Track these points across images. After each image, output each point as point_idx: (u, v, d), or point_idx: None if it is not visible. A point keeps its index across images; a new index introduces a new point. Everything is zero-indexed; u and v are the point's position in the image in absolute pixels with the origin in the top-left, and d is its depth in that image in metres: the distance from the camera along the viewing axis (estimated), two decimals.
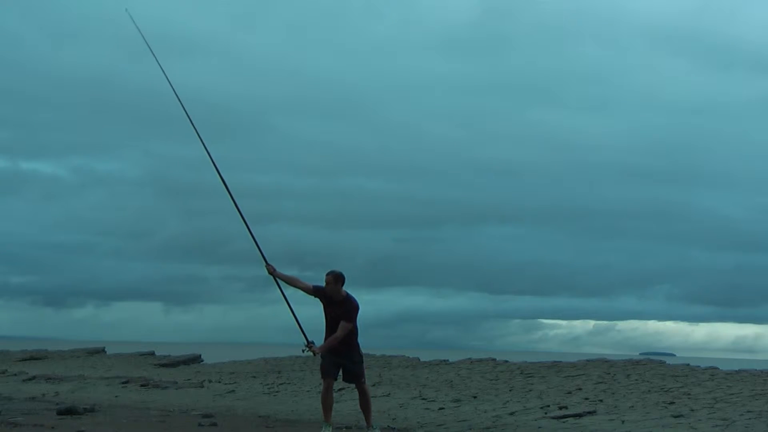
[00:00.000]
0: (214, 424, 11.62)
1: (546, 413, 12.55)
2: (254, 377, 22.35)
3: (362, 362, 10.44)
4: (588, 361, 20.25)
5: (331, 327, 10.14)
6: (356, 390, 10.54)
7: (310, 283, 10.26)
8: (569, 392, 15.21)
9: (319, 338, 10.48)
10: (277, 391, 17.99)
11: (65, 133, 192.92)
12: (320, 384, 10.95)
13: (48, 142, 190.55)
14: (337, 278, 10.07)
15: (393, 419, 12.63)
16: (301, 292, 10.31)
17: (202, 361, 31.97)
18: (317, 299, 10.27)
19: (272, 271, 10.11)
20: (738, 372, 17.05)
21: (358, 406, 10.73)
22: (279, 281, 10.21)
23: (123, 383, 20.66)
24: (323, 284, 10.20)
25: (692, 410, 12.05)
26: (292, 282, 10.23)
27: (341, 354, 10.18)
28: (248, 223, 10.31)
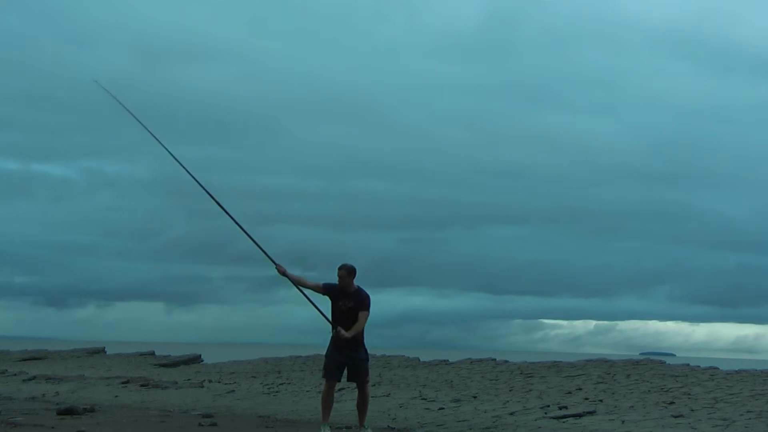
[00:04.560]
0: (214, 424, 11.61)
1: (546, 413, 12.54)
2: (254, 377, 22.35)
3: (368, 360, 10.48)
4: (588, 361, 20.25)
5: (340, 319, 10.21)
6: (357, 389, 10.53)
7: (319, 282, 10.39)
8: (569, 392, 15.21)
9: (323, 337, 10.55)
10: (277, 391, 17.99)
11: (77, 136, 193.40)
12: (320, 384, 10.95)
13: (60, 144, 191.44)
14: (350, 271, 10.29)
15: (393, 419, 12.63)
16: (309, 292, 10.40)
17: (202, 361, 31.98)
18: (326, 297, 10.38)
19: (283, 272, 10.23)
20: (738, 372, 17.05)
21: (355, 405, 10.73)
22: (290, 280, 10.32)
23: (123, 383, 20.65)
24: (329, 281, 10.35)
25: (692, 410, 12.05)
26: (300, 282, 10.35)
27: (347, 352, 10.22)
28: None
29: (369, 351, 10.48)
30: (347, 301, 10.19)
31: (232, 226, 10.49)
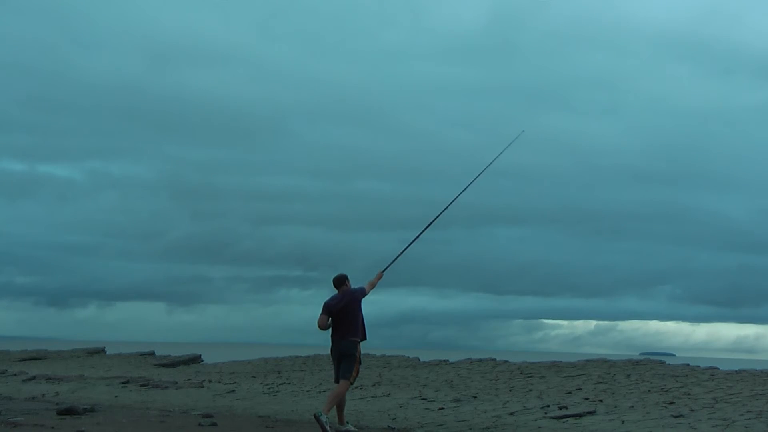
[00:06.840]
0: (214, 424, 11.62)
1: (546, 413, 12.54)
2: (254, 377, 22.34)
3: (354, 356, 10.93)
4: (588, 361, 20.23)
5: (341, 319, 10.74)
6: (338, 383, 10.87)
7: (322, 321, 10.85)
8: (569, 392, 15.20)
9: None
10: (277, 391, 17.98)
11: (83, 138, 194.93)
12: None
13: (66, 146, 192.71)
14: (347, 279, 11.01)
15: (393, 419, 12.63)
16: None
17: (202, 361, 31.96)
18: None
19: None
20: (738, 372, 17.02)
21: (350, 404, 11.04)
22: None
23: (123, 383, 20.66)
24: (324, 300, 10.90)
25: (692, 410, 12.04)
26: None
27: (340, 352, 10.71)
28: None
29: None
30: (340, 302, 10.74)
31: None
